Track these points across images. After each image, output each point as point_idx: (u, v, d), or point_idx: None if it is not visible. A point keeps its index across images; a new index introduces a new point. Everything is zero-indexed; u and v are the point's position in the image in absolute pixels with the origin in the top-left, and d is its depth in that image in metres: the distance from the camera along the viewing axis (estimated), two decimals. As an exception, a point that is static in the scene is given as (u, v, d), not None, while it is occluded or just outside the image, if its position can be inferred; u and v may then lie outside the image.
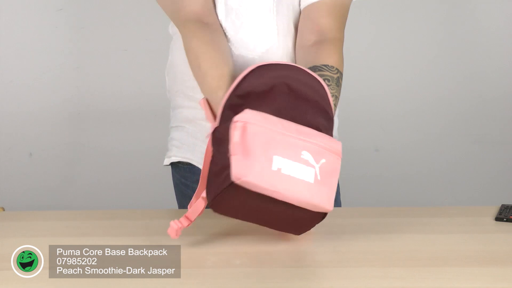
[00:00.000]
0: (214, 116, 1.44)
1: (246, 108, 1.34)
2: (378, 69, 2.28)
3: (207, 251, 1.42)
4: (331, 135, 1.41)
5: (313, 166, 1.33)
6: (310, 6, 1.61)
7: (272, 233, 1.50)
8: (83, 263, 1.39)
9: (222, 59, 1.52)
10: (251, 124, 1.32)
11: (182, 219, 1.42)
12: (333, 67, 1.55)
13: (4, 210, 1.70)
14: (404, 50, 2.38)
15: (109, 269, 1.36)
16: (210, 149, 1.38)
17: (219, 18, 1.61)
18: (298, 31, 1.63)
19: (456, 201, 2.39)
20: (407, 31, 2.35)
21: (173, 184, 1.76)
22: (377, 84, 2.28)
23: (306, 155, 1.33)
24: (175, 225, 1.42)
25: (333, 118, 1.42)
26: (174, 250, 1.44)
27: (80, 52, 2.37)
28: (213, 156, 1.37)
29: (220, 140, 1.36)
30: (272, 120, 1.34)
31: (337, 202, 1.84)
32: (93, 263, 1.39)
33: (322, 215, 1.40)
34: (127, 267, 1.37)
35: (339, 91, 1.56)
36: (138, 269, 1.37)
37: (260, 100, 1.37)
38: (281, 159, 1.31)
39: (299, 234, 1.43)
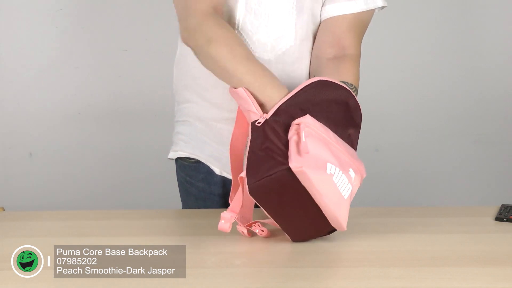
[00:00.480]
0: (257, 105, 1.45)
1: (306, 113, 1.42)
2: (378, 69, 2.28)
3: (207, 251, 1.42)
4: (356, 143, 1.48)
5: (352, 184, 1.42)
6: (331, 19, 1.63)
7: (272, 233, 1.50)
8: (83, 263, 1.39)
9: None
10: (313, 129, 1.40)
11: (227, 213, 1.43)
12: (352, 85, 1.60)
13: (4, 210, 1.70)
14: (404, 50, 2.37)
15: (109, 269, 1.36)
16: (248, 135, 1.42)
17: (237, 18, 1.61)
18: (316, 41, 1.66)
19: (456, 201, 2.39)
20: (407, 31, 2.35)
21: (178, 182, 1.76)
22: (377, 84, 2.28)
23: (351, 173, 1.41)
24: (227, 217, 1.43)
25: (359, 127, 1.48)
26: (176, 250, 1.45)
27: (80, 52, 2.37)
28: (260, 143, 1.40)
29: (273, 130, 1.41)
30: (330, 133, 1.42)
31: None
32: (93, 263, 1.39)
33: (328, 231, 1.45)
34: (127, 267, 1.37)
35: None
36: (138, 269, 1.37)
37: (316, 112, 1.43)
38: (334, 167, 1.39)
39: (295, 241, 1.45)
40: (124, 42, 2.40)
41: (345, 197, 1.40)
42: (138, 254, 1.44)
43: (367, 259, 1.38)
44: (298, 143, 1.38)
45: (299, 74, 1.64)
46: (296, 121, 1.40)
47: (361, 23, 1.65)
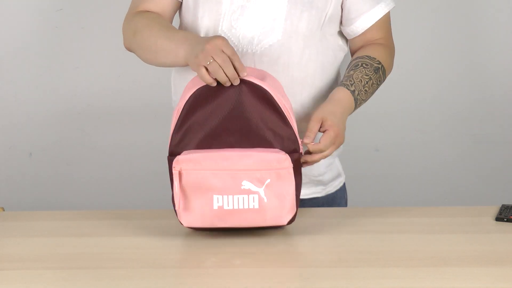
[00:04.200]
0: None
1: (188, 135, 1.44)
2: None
3: (207, 251, 1.42)
4: (289, 130, 1.45)
5: (256, 192, 1.40)
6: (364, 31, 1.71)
7: (272, 233, 1.50)
8: (83, 263, 1.39)
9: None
10: (186, 170, 1.41)
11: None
12: (375, 58, 1.66)
13: (4, 210, 1.70)
14: (404, 50, 2.37)
15: (109, 269, 1.36)
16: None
17: (223, 12, 1.63)
18: (350, 47, 1.74)
19: (456, 201, 2.39)
20: (407, 30, 2.35)
21: None
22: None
23: (246, 184, 1.40)
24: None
25: (285, 113, 1.45)
26: (176, 250, 1.45)
27: (80, 52, 2.37)
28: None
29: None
30: (208, 157, 1.40)
31: (343, 203, 1.84)
32: (93, 263, 1.39)
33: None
34: (126, 267, 1.37)
35: (376, 77, 1.65)
36: (138, 269, 1.37)
37: (203, 121, 1.44)
38: (219, 197, 1.40)
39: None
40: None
41: (256, 206, 1.40)
42: (137, 254, 1.44)
43: (367, 259, 1.38)
44: (182, 194, 1.42)
45: (283, 69, 1.64)
46: (173, 163, 1.42)
47: (385, 22, 1.73)
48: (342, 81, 1.63)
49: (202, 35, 1.65)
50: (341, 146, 1.60)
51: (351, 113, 1.60)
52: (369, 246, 1.44)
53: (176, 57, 1.56)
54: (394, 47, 1.76)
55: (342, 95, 1.58)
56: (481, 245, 1.44)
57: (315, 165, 1.61)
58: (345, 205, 1.86)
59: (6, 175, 2.45)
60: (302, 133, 1.52)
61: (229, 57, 1.45)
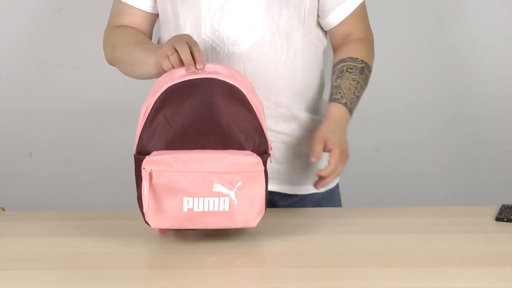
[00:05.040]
0: None
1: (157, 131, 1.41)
2: (378, 69, 2.28)
3: (207, 251, 1.42)
4: (260, 131, 1.44)
5: (227, 195, 1.39)
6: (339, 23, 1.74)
7: (272, 233, 1.50)
8: (83, 263, 1.39)
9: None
10: (157, 171, 1.38)
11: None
12: (357, 58, 1.71)
13: (4, 210, 1.70)
14: (403, 50, 2.37)
15: (109, 269, 1.36)
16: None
17: (203, 16, 1.65)
18: (329, 37, 1.78)
19: (456, 201, 2.39)
20: (407, 30, 2.35)
21: None
22: (377, 84, 2.28)
23: (218, 187, 1.38)
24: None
25: (256, 113, 1.44)
26: (176, 250, 1.44)
27: (80, 52, 2.37)
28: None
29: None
30: (180, 159, 1.38)
31: (337, 203, 1.85)
32: (93, 263, 1.39)
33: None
34: (126, 267, 1.37)
35: (363, 78, 1.72)
36: (138, 269, 1.37)
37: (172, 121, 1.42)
38: (190, 199, 1.38)
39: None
40: (124, 42, 2.40)
41: (226, 209, 1.39)
42: (137, 254, 1.44)
43: (367, 259, 1.38)
44: (151, 195, 1.39)
45: (273, 65, 1.67)
46: (143, 164, 1.39)
47: (361, 11, 1.75)
48: (332, 93, 1.69)
49: None
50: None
51: (348, 123, 1.67)
52: (369, 246, 1.44)
53: (148, 66, 1.59)
54: (372, 36, 1.79)
55: (337, 111, 1.65)
56: (481, 245, 1.44)
57: (319, 162, 1.65)
58: (340, 201, 1.87)
59: (6, 175, 2.45)
60: (296, 130, 1.53)
61: (190, 47, 1.47)
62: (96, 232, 1.54)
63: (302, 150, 1.72)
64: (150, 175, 1.39)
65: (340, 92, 1.67)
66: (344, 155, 1.60)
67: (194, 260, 1.39)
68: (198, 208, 1.38)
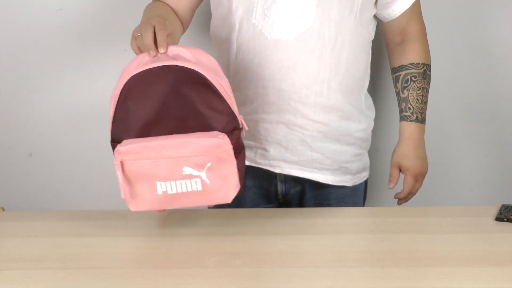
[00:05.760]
0: None
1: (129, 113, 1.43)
2: (377, 69, 2.28)
3: (207, 251, 1.42)
4: (228, 109, 1.44)
5: (198, 176, 1.41)
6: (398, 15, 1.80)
7: (272, 233, 1.50)
8: (83, 263, 1.39)
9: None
10: (128, 160, 1.43)
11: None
12: (418, 63, 1.80)
13: (4, 210, 1.70)
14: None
15: (109, 268, 1.36)
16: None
17: (256, 3, 1.66)
18: (384, 31, 1.84)
19: (456, 201, 2.39)
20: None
21: None
22: (377, 84, 2.28)
23: (187, 170, 1.41)
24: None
25: (221, 93, 1.44)
26: (176, 250, 1.45)
27: (80, 52, 2.37)
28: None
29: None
30: (147, 147, 1.41)
31: (359, 200, 1.87)
32: (93, 263, 1.39)
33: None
34: (126, 267, 1.37)
35: (427, 82, 1.82)
36: (137, 269, 1.37)
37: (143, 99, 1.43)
38: (162, 183, 1.41)
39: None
40: (124, 42, 2.40)
41: (199, 189, 1.41)
42: (137, 253, 1.44)
43: (367, 259, 1.38)
44: (126, 182, 1.45)
45: (318, 55, 1.67)
46: (115, 153, 1.43)
47: (417, 5, 1.83)
48: (401, 109, 1.82)
49: (236, 26, 1.69)
50: (369, 139, 1.90)
51: (424, 131, 1.79)
52: (369, 246, 1.44)
53: None
54: (425, 29, 1.85)
55: (408, 130, 1.81)
56: (481, 245, 1.44)
57: (343, 151, 1.77)
58: (364, 199, 1.89)
59: (6, 175, 2.45)
60: (334, 121, 1.67)
61: (156, 31, 1.48)
62: (96, 232, 1.54)
63: (338, 142, 1.73)
64: (122, 164, 1.44)
65: (409, 108, 1.79)
66: (420, 175, 1.83)
67: (194, 260, 1.39)
68: (172, 190, 1.41)
